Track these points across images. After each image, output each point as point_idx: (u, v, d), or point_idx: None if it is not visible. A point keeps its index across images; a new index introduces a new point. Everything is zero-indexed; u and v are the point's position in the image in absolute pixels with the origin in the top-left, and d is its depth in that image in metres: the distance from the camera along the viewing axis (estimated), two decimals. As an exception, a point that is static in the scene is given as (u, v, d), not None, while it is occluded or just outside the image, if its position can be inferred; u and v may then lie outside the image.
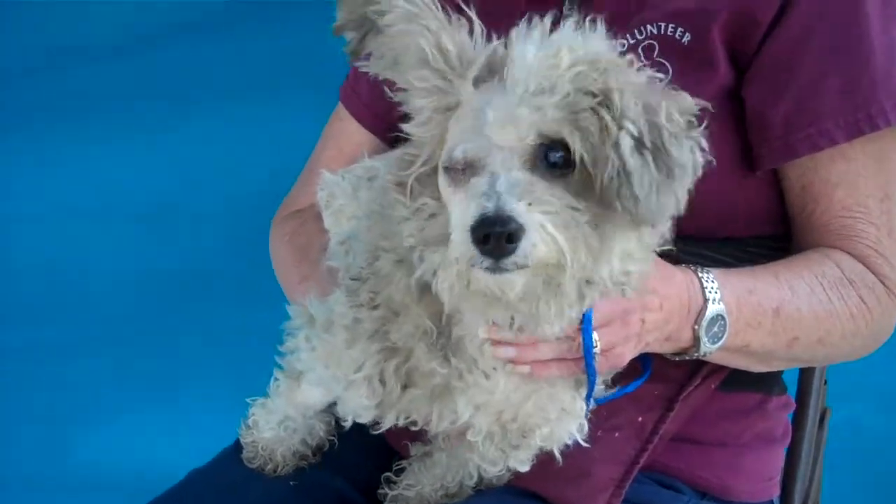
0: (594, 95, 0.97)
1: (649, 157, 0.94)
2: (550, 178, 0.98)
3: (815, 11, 1.30)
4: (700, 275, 1.22)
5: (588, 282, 1.00)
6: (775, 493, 1.52)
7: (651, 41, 1.37)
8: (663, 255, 1.19)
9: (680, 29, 1.33)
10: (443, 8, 1.04)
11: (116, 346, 2.47)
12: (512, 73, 0.99)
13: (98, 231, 2.43)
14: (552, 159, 0.98)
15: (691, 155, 0.97)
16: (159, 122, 2.37)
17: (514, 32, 1.03)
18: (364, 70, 1.08)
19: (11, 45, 2.35)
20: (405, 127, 1.06)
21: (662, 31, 1.35)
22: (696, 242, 1.32)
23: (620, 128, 0.95)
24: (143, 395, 2.41)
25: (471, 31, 1.04)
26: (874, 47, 1.30)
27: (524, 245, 0.93)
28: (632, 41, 1.37)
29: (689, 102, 1.01)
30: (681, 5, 1.34)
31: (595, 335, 1.12)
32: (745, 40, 1.32)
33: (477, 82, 1.02)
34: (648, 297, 1.15)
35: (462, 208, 0.97)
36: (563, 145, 0.98)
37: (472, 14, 1.05)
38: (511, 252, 0.93)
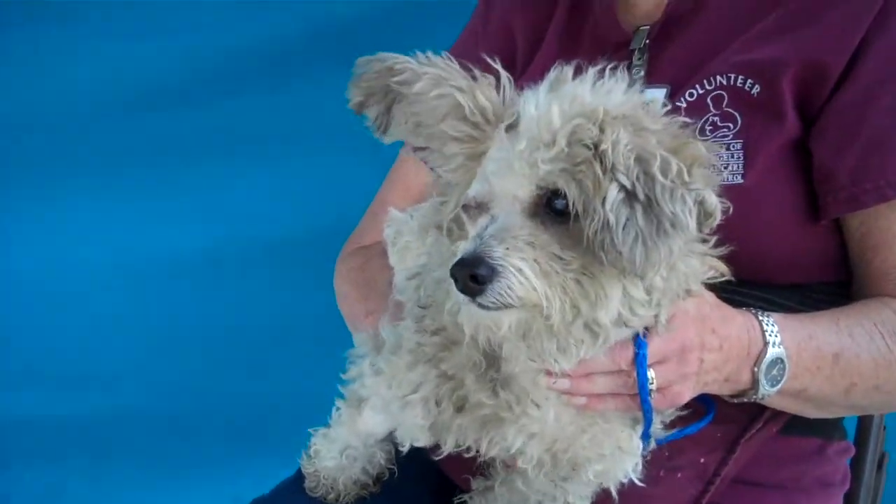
0: (590, 148, 1.00)
1: (639, 210, 0.97)
2: (553, 224, 1.03)
3: (885, 65, 1.32)
4: (760, 318, 1.23)
5: (592, 324, 1.05)
6: (834, 536, 1.52)
7: (720, 91, 1.39)
8: (725, 300, 1.21)
9: (749, 80, 1.36)
10: (467, 67, 1.11)
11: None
12: (520, 125, 1.05)
13: (136, 287, 2.45)
14: (557, 206, 1.03)
15: (685, 208, 0.98)
16: (196, 176, 2.40)
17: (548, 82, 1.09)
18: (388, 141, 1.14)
19: (28, 98, 2.40)
20: (439, 171, 1.13)
21: (732, 83, 1.37)
22: (759, 287, 1.34)
23: (610, 181, 0.97)
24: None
25: (498, 84, 1.10)
26: None
27: (497, 286, 1.00)
28: (700, 91, 1.39)
29: (702, 152, 1.03)
30: (751, 56, 1.36)
31: (651, 372, 1.13)
32: (814, 93, 1.34)
33: (508, 131, 1.07)
34: (708, 337, 1.17)
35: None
36: (560, 194, 1.02)
37: (499, 67, 1.11)
38: (481, 292, 1.00)
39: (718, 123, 1.37)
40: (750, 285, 1.32)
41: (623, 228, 0.96)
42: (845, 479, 1.54)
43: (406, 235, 1.46)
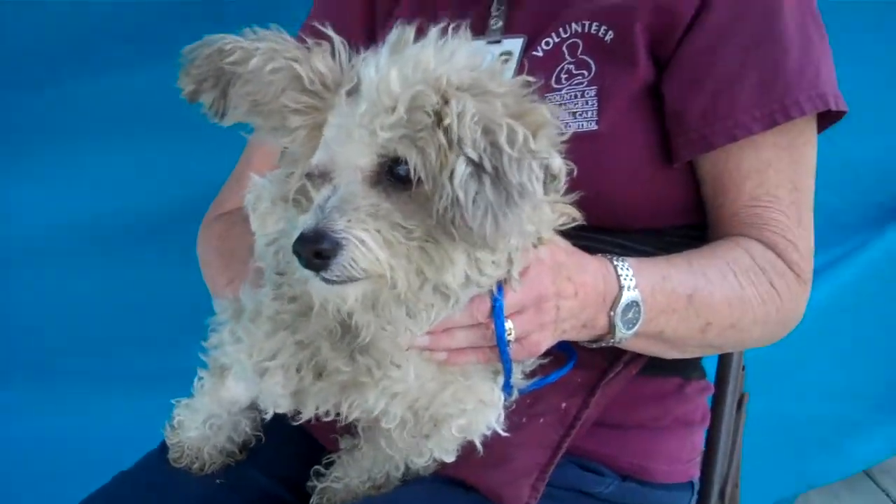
0: (430, 115, 0.99)
1: (487, 183, 0.96)
2: (395, 191, 1.03)
3: (734, 9, 1.35)
4: (615, 263, 1.25)
5: (441, 287, 1.06)
6: (694, 474, 1.56)
7: (575, 39, 1.41)
8: (581, 247, 1.23)
9: (603, 27, 1.38)
10: (301, 39, 1.09)
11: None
12: (361, 90, 1.04)
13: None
14: (399, 173, 1.02)
15: (532, 176, 0.97)
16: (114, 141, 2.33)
17: (388, 42, 1.07)
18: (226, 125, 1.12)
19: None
20: (283, 144, 1.12)
21: (586, 30, 1.39)
22: (614, 233, 1.36)
23: (458, 155, 0.97)
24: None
25: (333, 52, 1.09)
26: (789, 42, 1.35)
27: (341, 260, 0.99)
28: (557, 40, 1.41)
29: (546, 116, 1.03)
30: (604, 3, 1.38)
31: (509, 323, 1.14)
32: (665, 38, 1.36)
33: (349, 96, 1.06)
34: (563, 285, 1.18)
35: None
36: (402, 161, 1.02)
37: (332, 33, 1.09)
38: (325, 267, 0.99)
39: (573, 71, 1.38)
40: (605, 231, 1.34)
41: (473, 203, 0.96)
42: (705, 418, 1.59)
43: (266, 201, 1.43)
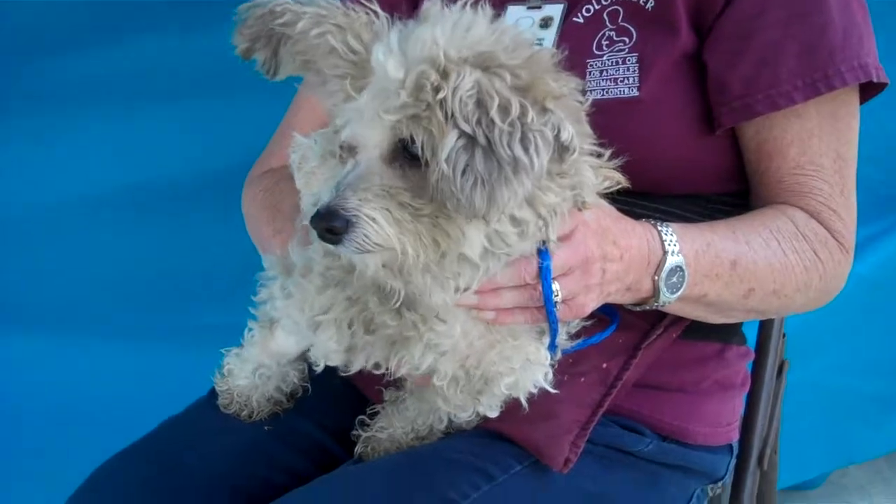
0: (433, 93, 1.01)
1: (478, 155, 0.97)
2: (411, 169, 1.05)
3: None
4: (659, 228, 1.27)
5: (462, 258, 1.08)
6: (734, 437, 1.58)
7: (616, 7, 1.42)
8: (625, 212, 1.24)
9: None
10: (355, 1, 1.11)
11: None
12: (377, 68, 1.06)
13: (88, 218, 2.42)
14: (413, 152, 1.04)
15: (529, 149, 0.98)
16: (105, 118, 2.36)
17: (421, 14, 1.09)
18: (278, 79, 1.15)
19: None
20: (327, 104, 1.14)
21: None
22: (658, 199, 1.38)
23: (453, 127, 0.98)
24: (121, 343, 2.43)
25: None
26: (832, 13, 1.35)
27: (353, 236, 1.03)
28: (597, 7, 1.42)
29: (552, 87, 1.03)
30: None
31: (556, 284, 1.16)
32: (707, 5, 1.37)
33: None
34: (609, 248, 1.20)
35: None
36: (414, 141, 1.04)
37: (376, 6, 1.11)
38: (338, 242, 1.04)
39: (614, 38, 1.39)
40: (648, 197, 1.36)
41: (462, 175, 0.97)
42: (745, 383, 1.61)
43: (311, 160, 1.46)
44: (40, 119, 2.39)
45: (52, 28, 2.35)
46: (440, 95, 0.99)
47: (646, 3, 1.39)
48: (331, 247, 1.07)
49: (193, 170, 2.43)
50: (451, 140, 0.98)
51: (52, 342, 2.42)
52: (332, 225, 1.04)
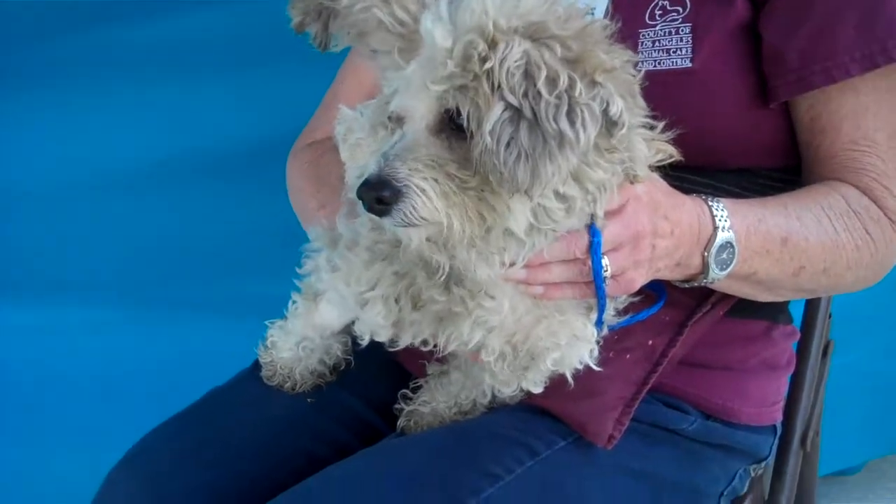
0: (480, 63, 0.99)
1: (524, 128, 0.96)
2: (457, 140, 1.04)
3: None
4: (710, 203, 1.25)
5: (507, 233, 1.07)
6: (778, 417, 1.56)
7: None
8: (675, 186, 1.23)
9: None
10: None
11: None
12: (425, 39, 1.04)
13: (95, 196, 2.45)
14: (459, 123, 1.02)
15: (576, 123, 0.96)
16: (156, 87, 2.38)
17: None
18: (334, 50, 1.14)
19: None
20: (378, 75, 1.13)
21: None
22: (709, 173, 1.36)
23: (499, 99, 0.97)
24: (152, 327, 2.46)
25: None
26: None
27: (402, 207, 1.01)
28: None
29: (602, 59, 1.01)
30: None
31: (605, 259, 1.15)
32: None
33: None
34: (659, 223, 1.18)
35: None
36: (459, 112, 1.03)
37: None
38: (386, 213, 1.02)
39: (668, 7, 1.37)
40: (700, 171, 1.34)
41: (506, 148, 0.96)
42: (790, 363, 1.59)
43: (357, 132, 1.46)
44: (96, 86, 2.40)
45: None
46: (487, 66, 0.98)
47: None
48: (377, 218, 1.06)
49: (241, 140, 2.43)
50: (496, 112, 0.96)
51: (99, 313, 2.45)
52: (381, 195, 1.02)
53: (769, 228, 1.28)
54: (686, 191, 1.25)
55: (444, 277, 1.16)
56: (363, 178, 1.04)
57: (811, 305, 1.71)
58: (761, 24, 1.35)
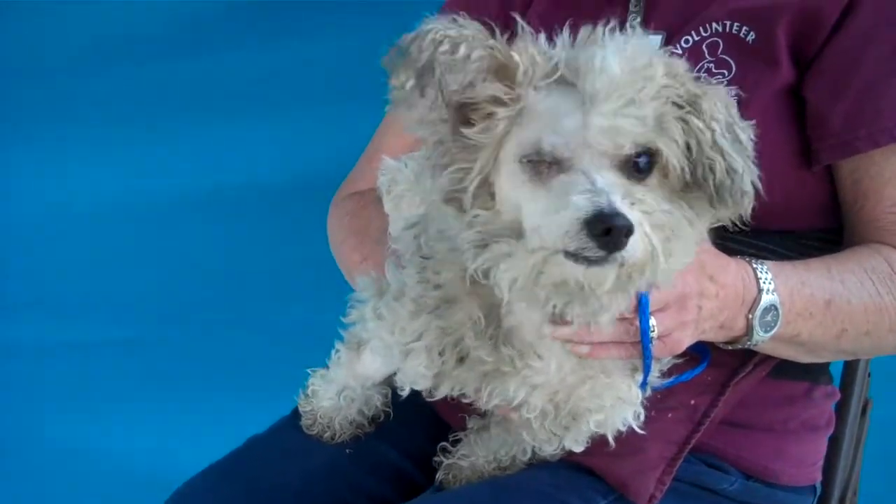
0: (678, 105, 1.01)
1: (738, 153, 1.01)
2: (634, 181, 1.02)
3: (880, 13, 1.33)
4: (754, 266, 1.25)
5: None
6: (817, 478, 1.55)
7: (715, 38, 1.40)
8: (718, 247, 1.23)
9: (745, 27, 1.36)
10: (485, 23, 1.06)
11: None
12: (593, 80, 1.01)
13: (118, 230, 2.49)
14: (641, 165, 1.02)
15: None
16: (179, 126, 2.43)
17: (582, 36, 1.06)
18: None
19: (22, 45, 2.41)
20: (469, 133, 1.04)
21: (727, 30, 1.38)
22: (752, 234, 1.35)
23: (713, 130, 1.01)
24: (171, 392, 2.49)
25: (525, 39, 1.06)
26: None
27: (632, 242, 0.97)
28: (696, 38, 1.40)
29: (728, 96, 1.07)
30: (747, 4, 1.37)
31: (652, 320, 1.15)
32: (809, 40, 1.35)
33: (559, 84, 1.04)
34: (706, 285, 1.19)
35: (552, 201, 1.00)
36: (648, 152, 1.02)
37: (526, 25, 1.06)
38: (622, 247, 0.96)
39: (713, 70, 1.38)
40: (742, 232, 1.34)
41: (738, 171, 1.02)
42: (830, 423, 1.57)
43: (401, 184, 1.46)
44: (146, 122, 2.46)
45: (153, 35, 2.42)
46: (702, 101, 1.02)
47: (746, 35, 1.37)
48: (600, 254, 0.97)
49: (285, 176, 2.47)
50: (724, 140, 1.02)
51: (145, 332, 2.48)
52: (627, 225, 0.96)
53: (813, 291, 1.28)
54: (730, 252, 1.26)
55: (492, 339, 1.16)
56: (593, 211, 0.96)
57: (849, 364, 1.70)
58: (806, 87, 1.36)
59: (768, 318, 1.25)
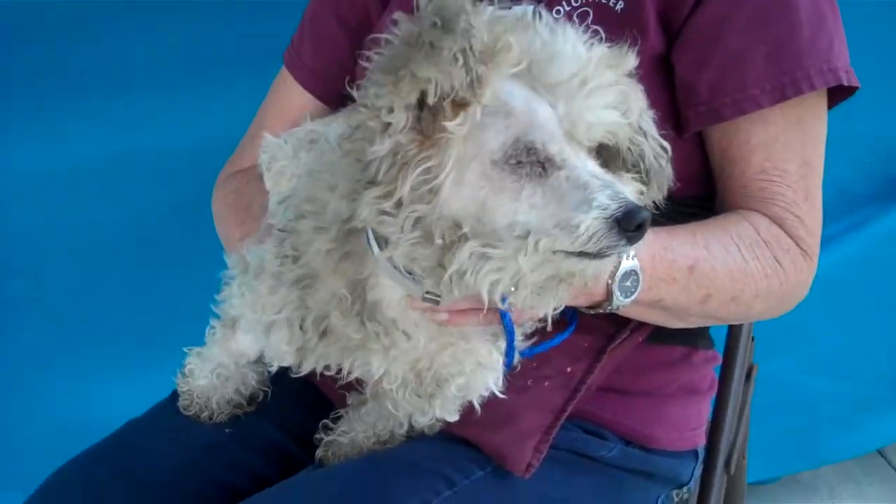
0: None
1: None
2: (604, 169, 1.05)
3: None
4: None
5: None
6: (700, 442, 1.57)
7: (585, 8, 1.40)
8: None
9: None
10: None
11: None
12: (559, 71, 1.01)
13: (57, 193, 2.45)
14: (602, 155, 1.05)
15: None
16: (110, 97, 2.39)
17: (522, 18, 1.03)
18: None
19: None
20: (450, 125, 0.98)
21: None
22: None
23: (640, 115, 1.07)
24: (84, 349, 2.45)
25: None
26: (801, 15, 1.34)
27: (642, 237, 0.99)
28: (567, 8, 1.40)
29: None
30: None
31: None
32: (675, 9, 1.36)
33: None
34: None
35: (556, 202, 0.99)
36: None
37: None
38: (639, 239, 0.99)
39: None
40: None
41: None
42: (712, 387, 1.60)
43: (281, 160, 1.46)
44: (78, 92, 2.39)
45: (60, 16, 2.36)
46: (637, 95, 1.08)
47: (615, 4, 1.38)
48: (625, 248, 0.99)
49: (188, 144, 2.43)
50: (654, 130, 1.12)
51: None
52: (647, 218, 0.97)
53: (675, 257, 1.28)
54: None
55: (358, 315, 1.15)
56: (624, 208, 0.96)
57: (733, 329, 1.72)
58: (674, 56, 1.37)
59: (628, 283, 1.23)
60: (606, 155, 1.07)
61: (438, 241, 1.00)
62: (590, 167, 1.01)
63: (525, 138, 1.00)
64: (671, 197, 1.39)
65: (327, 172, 1.12)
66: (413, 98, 0.96)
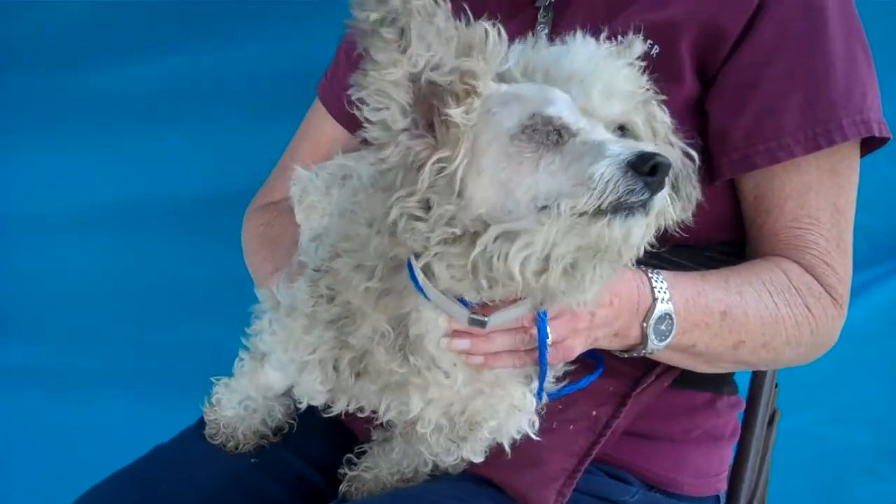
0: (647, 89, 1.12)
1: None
2: None
3: (781, 30, 1.35)
4: (650, 275, 1.26)
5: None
6: (721, 488, 1.57)
7: None
8: None
9: (649, 41, 1.37)
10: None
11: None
12: (571, 62, 1.07)
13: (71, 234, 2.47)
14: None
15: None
16: (137, 127, 2.40)
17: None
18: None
19: None
20: (452, 113, 1.00)
21: None
22: (656, 247, 1.37)
23: (668, 123, 1.10)
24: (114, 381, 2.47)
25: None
26: (835, 65, 1.35)
27: (663, 192, 1.00)
28: None
29: None
30: (651, 18, 1.38)
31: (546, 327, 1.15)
32: (712, 55, 1.37)
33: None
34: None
35: (574, 162, 0.98)
36: (625, 126, 1.08)
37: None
38: (658, 189, 0.97)
39: None
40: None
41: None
42: (735, 433, 1.59)
43: (312, 194, 1.47)
44: (62, 132, 2.42)
45: (72, 44, 2.38)
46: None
47: (651, 49, 1.39)
48: (646, 195, 0.97)
49: (201, 189, 2.44)
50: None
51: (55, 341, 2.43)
52: (666, 161, 0.96)
53: (709, 302, 1.29)
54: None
55: (401, 350, 1.15)
56: (636, 153, 0.96)
57: (757, 375, 1.71)
58: (708, 102, 1.38)
59: (663, 327, 1.25)
60: None
61: (467, 234, 1.01)
62: (607, 134, 1.02)
63: (541, 112, 1.01)
64: (700, 242, 1.41)
65: (363, 211, 1.13)
66: (403, 97, 0.99)
